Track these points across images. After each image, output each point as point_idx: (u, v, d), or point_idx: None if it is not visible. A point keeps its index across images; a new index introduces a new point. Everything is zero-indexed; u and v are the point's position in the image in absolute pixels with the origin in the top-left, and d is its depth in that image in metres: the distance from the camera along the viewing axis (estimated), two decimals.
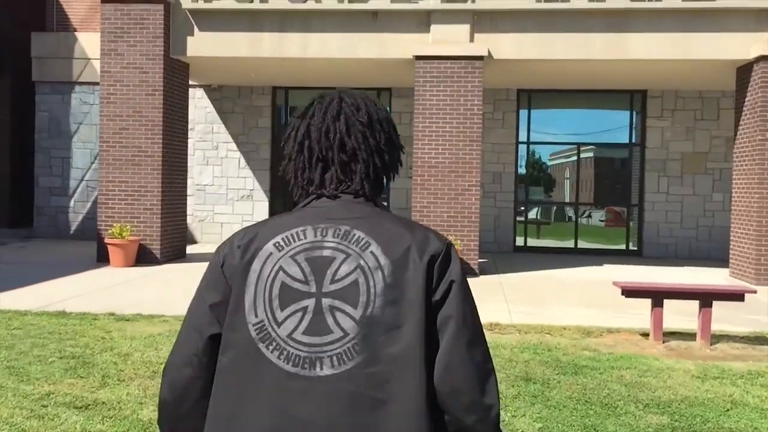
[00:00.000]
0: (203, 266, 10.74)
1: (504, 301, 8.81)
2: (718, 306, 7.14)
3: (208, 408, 1.35)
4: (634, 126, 14.52)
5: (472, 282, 9.72)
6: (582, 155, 14.66)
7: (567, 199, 14.96)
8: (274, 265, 1.34)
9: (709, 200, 13.99)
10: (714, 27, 10.65)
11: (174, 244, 11.94)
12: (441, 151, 11.08)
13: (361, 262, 1.33)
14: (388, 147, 1.47)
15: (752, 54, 10.54)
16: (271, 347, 1.30)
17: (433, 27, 11.09)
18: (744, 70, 11.00)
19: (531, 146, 14.68)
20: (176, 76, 11.88)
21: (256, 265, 1.35)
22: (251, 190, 14.93)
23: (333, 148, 1.43)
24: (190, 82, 14.45)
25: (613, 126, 14.79)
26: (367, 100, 1.49)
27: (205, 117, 15.01)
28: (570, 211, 14.85)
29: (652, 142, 14.11)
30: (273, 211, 14.98)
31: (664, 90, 13.99)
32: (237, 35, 11.45)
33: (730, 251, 11.37)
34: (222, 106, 14.99)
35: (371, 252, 1.34)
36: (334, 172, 1.44)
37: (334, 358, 1.28)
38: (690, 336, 7.04)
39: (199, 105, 15.01)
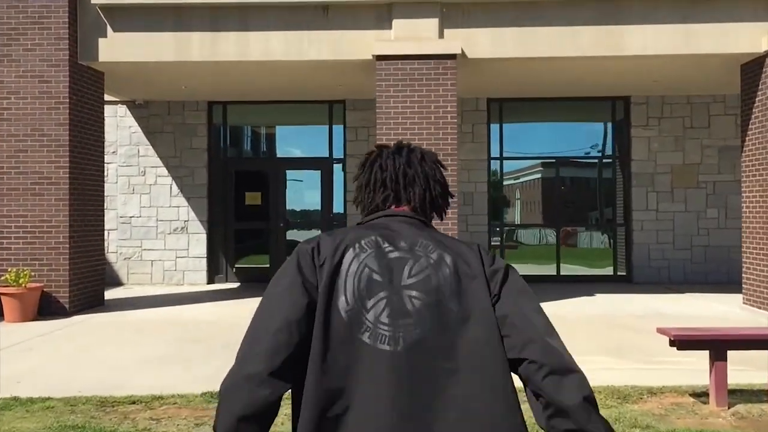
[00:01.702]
0: (123, 318, 7.45)
1: None
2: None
3: (306, 393, 1.49)
4: (617, 137, 13.06)
5: None
6: (561, 171, 13.10)
7: (546, 221, 13.36)
8: (361, 262, 1.58)
9: (703, 216, 12.57)
10: (719, 17, 9.23)
11: (88, 290, 9.82)
12: None
13: (431, 262, 1.58)
14: (440, 179, 1.79)
15: (765, 47, 9.14)
16: (361, 329, 1.52)
17: (395, 22, 9.38)
18: (752, 66, 9.59)
19: (504, 162, 13.06)
20: (87, 86, 9.86)
21: (345, 263, 1.58)
22: (186, 221, 12.88)
23: (396, 176, 1.74)
24: (112, 98, 12.43)
25: (594, 138, 13.32)
26: (419, 146, 1.85)
27: (130, 138, 12.95)
28: (550, 234, 13.25)
29: (637, 153, 12.66)
30: (212, 245, 12.96)
31: (648, 96, 12.58)
32: (160, 36, 9.53)
33: (743, 275, 9.86)
34: (149, 124, 12.96)
35: (438, 254, 1.60)
36: (395, 194, 1.74)
37: (416, 334, 1.51)
38: (756, 394, 5.37)
39: (123, 124, 12.95)
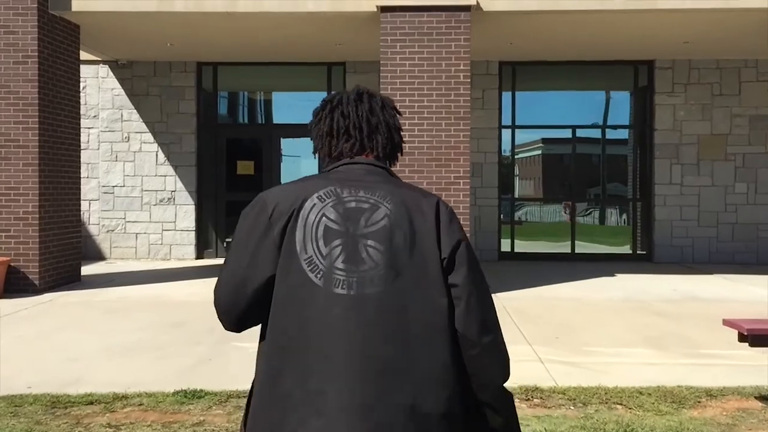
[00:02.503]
0: (98, 296, 7.27)
1: (524, 340, 6.14)
2: None
3: (269, 330, 1.61)
4: (638, 105, 12.10)
5: None
6: (577, 140, 12.15)
7: (560, 194, 12.44)
8: (318, 212, 1.63)
9: (731, 191, 11.64)
10: None
11: (61, 265, 8.91)
12: (417, 133, 8.37)
13: (388, 213, 1.63)
14: (399, 127, 1.85)
15: None
16: (319, 275, 1.58)
17: None
18: None
19: (516, 131, 12.09)
20: (60, 40, 8.86)
21: (304, 213, 1.63)
22: (172, 191, 11.95)
23: (360, 124, 1.76)
24: (92, 57, 11.44)
25: (613, 105, 12.35)
26: (377, 92, 1.85)
27: (113, 101, 11.96)
28: (564, 209, 12.34)
29: (661, 123, 11.70)
30: (201, 217, 12.04)
31: (674, 60, 11.59)
32: None
33: None
34: (134, 87, 11.96)
35: (395, 205, 1.64)
36: (359, 143, 1.77)
37: (367, 281, 1.57)
38: None
39: (105, 86, 11.95)
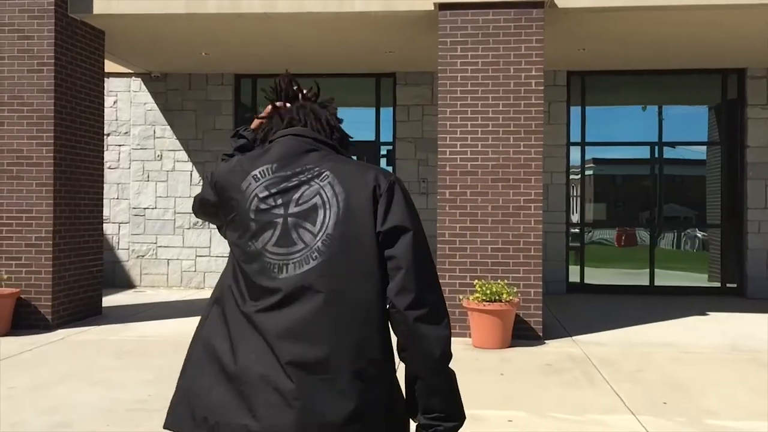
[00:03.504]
0: (115, 335, 6.62)
1: (623, 407, 4.87)
2: None
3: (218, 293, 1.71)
4: (727, 119, 10.71)
5: (536, 353, 6.64)
6: (656, 159, 10.80)
7: (635, 219, 11.09)
8: (253, 191, 1.65)
9: None
10: None
11: (78, 297, 7.96)
12: (480, 149, 7.21)
13: (320, 191, 1.63)
14: (335, 117, 1.85)
15: None
16: (251, 256, 1.61)
17: None
18: None
19: (586, 148, 10.82)
20: (82, 47, 8.00)
21: (241, 191, 1.67)
22: None
23: (302, 110, 1.81)
24: (124, 69, 10.63)
25: (697, 119, 11.00)
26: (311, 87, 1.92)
27: (145, 117, 11.11)
28: (640, 236, 10.99)
29: (754, 139, 10.30)
30: None
31: None
32: None
33: None
34: (168, 101, 11.11)
35: (329, 183, 1.64)
36: (302, 118, 1.79)
37: (296, 263, 1.58)
38: None
39: (137, 101, 11.12)
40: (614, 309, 9.11)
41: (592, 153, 10.91)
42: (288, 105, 1.83)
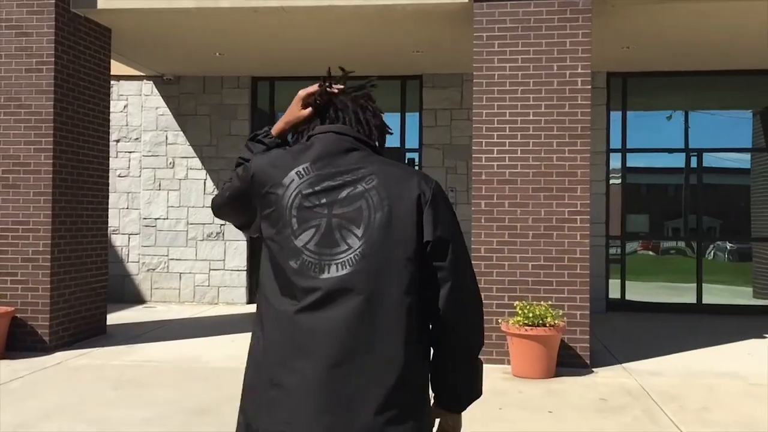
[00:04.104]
0: (117, 359, 5.57)
1: None
2: None
3: (261, 295, 1.71)
4: None
5: (586, 384, 5.87)
6: (704, 169, 10.01)
7: (681, 232, 10.29)
8: (296, 188, 1.63)
9: None
10: None
11: (80, 316, 7.34)
12: (520, 155, 6.50)
13: (366, 194, 1.61)
14: (379, 116, 1.84)
15: None
16: (290, 255, 1.60)
17: None
18: None
19: (627, 156, 10.06)
20: (86, 45, 7.41)
21: (283, 186, 1.64)
22: (222, 225, 10.37)
23: (348, 111, 1.78)
24: (135, 72, 10.07)
25: (746, 124, 10.19)
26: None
27: (157, 122, 10.53)
28: (685, 248, 10.19)
29: None
30: (254, 255, 10.39)
31: None
32: None
33: None
34: (180, 105, 10.51)
35: (374, 186, 1.62)
36: (349, 121, 1.77)
37: (339, 264, 1.57)
38: None
39: (148, 105, 10.54)
40: (662, 330, 8.33)
41: (632, 160, 10.14)
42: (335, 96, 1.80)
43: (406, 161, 10.32)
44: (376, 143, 1.77)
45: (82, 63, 7.36)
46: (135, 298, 10.40)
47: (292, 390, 1.53)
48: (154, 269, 10.47)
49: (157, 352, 6.89)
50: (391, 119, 10.41)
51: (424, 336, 1.63)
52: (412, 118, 10.31)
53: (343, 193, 1.61)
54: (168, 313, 9.47)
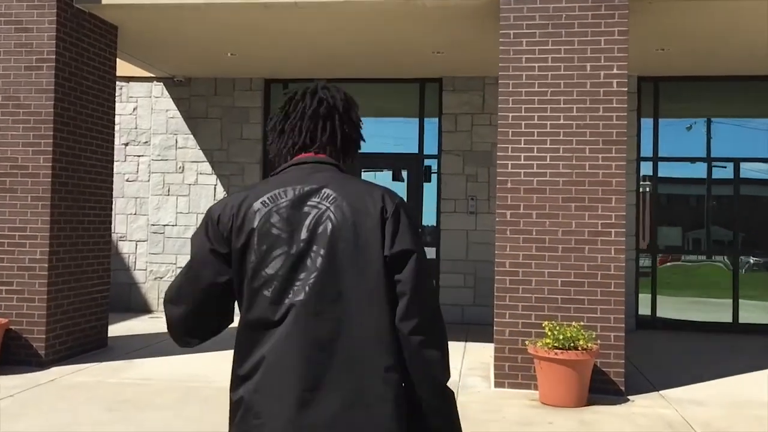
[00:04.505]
0: (114, 376, 5.74)
1: None
2: None
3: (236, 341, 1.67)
4: None
5: (622, 415, 5.32)
6: (741, 180, 9.46)
7: (715, 246, 9.72)
8: (262, 217, 1.64)
9: None
10: None
11: (79, 328, 6.94)
12: (549, 162, 6.02)
13: (331, 215, 1.63)
14: (354, 123, 1.83)
15: None
16: (263, 284, 1.61)
17: None
18: None
19: (659, 165, 9.54)
20: (90, 42, 7.04)
21: (249, 221, 1.65)
22: None
23: (312, 127, 1.77)
24: (145, 74, 9.74)
25: None
26: (340, 90, 1.84)
27: (167, 125, 10.15)
28: (718, 262, 9.63)
29: None
30: None
31: None
32: None
33: None
34: (191, 108, 10.14)
35: (338, 206, 1.65)
36: (309, 134, 1.77)
37: (308, 287, 1.59)
38: None
39: (158, 107, 10.17)
40: (698, 352, 7.79)
41: (664, 170, 9.61)
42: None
43: (423, 168, 9.87)
44: (342, 159, 1.79)
45: (86, 61, 6.99)
46: (141, 307, 10.01)
47: (268, 417, 1.56)
48: (161, 278, 10.08)
49: (157, 369, 6.47)
50: (409, 124, 9.97)
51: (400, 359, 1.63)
52: (431, 123, 9.86)
53: (309, 218, 1.64)
54: None
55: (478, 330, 8.52)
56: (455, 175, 9.56)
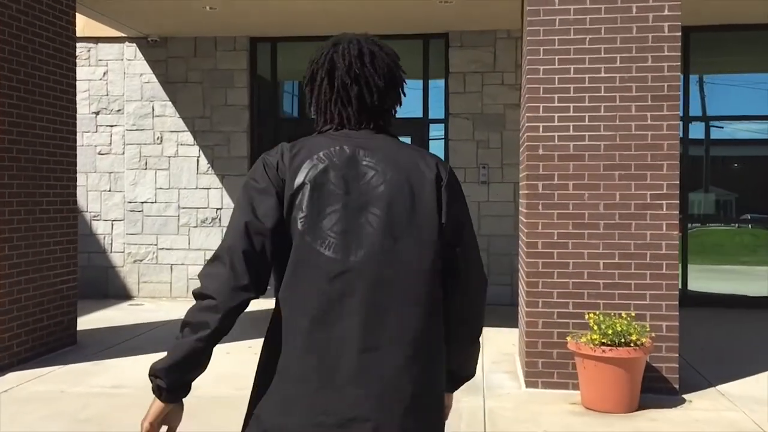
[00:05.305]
0: (79, 382, 4.90)
1: None
2: None
3: (284, 290, 1.61)
4: None
5: (684, 422, 4.51)
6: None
7: (756, 214, 8.87)
8: (318, 173, 1.59)
9: None
10: None
11: (41, 326, 6.02)
12: (588, 122, 5.09)
13: (386, 176, 1.61)
14: (400, 85, 1.74)
15: None
16: (316, 239, 1.57)
17: None
18: None
19: (709, 124, 8.63)
20: None
21: (303, 171, 1.59)
22: (218, 209, 9.02)
23: (360, 85, 1.66)
24: (115, 33, 8.72)
25: None
26: (379, 42, 1.73)
27: (141, 91, 9.13)
28: (756, 227, 8.79)
29: None
30: None
31: None
32: None
33: None
34: (168, 71, 9.11)
35: (394, 168, 1.62)
36: (358, 107, 1.67)
37: (365, 247, 1.57)
38: None
39: (132, 71, 9.13)
40: (745, 333, 6.97)
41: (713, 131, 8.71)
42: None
43: (429, 136, 8.93)
44: (387, 123, 1.73)
45: (37, 15, 5.95)
46: (121, 293, 9.10)
47: (318, 382, 1.56)
48: (141, 260, 9.14)
49: (131, 372, 5.56)
50: (412, 85, 8.98)
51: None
52: (436, 84, 8.89)
53: (366, 177, 1.61)
54: (156, 312, 8.16)
55: (493, 312, 7.62)
56: (465, 141, 8.62)
